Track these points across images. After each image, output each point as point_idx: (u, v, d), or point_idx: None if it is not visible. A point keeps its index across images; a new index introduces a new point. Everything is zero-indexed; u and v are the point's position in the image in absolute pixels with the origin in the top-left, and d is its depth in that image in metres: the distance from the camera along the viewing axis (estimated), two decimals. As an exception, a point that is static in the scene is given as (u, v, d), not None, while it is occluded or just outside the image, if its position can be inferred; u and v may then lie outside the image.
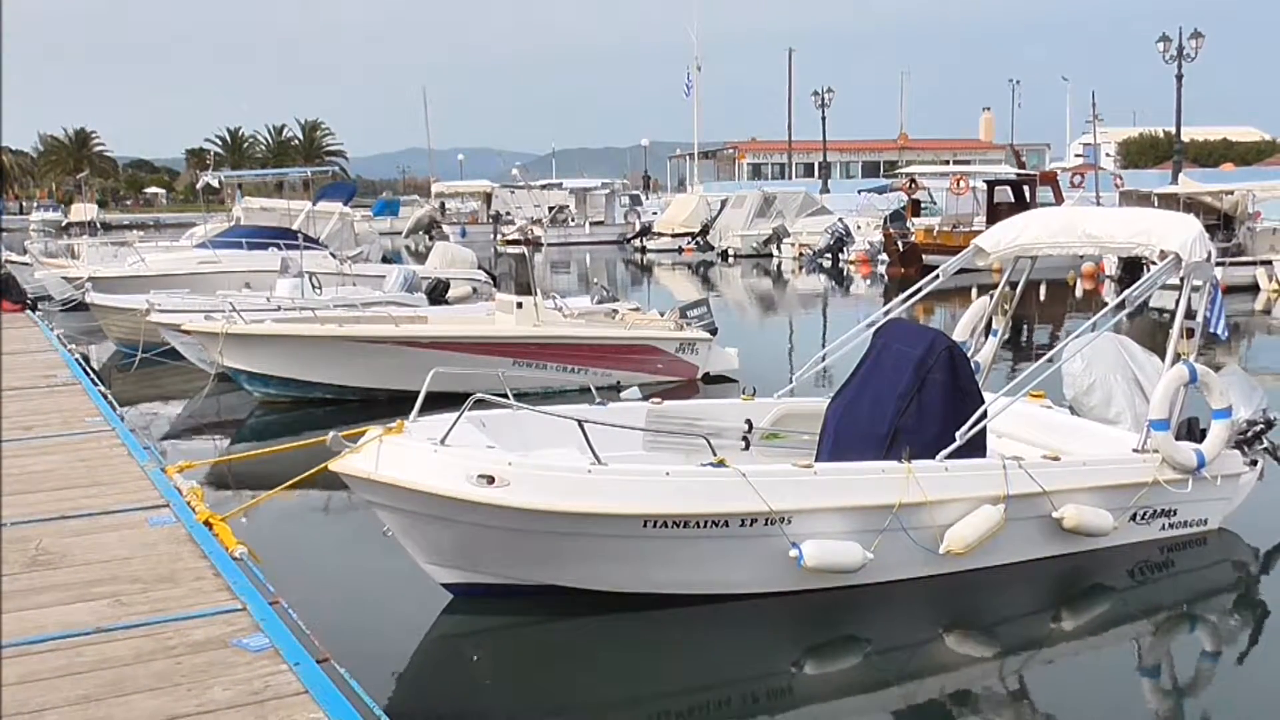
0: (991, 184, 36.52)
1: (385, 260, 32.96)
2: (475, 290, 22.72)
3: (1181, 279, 8.59)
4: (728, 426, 8.78)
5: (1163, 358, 8.73)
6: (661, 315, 16.12)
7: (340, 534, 9.11)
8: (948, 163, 60.60)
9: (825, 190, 59.09)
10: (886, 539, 7.17)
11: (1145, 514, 8.23)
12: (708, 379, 15.29)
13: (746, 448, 8.82)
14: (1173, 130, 47.60)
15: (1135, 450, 8.26)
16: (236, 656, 4.82)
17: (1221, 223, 27.88)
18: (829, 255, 38.99)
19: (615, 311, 15.94)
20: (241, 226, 26.24)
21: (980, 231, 14.84)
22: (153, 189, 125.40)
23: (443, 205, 66.05)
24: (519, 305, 14.48)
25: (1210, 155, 70.20)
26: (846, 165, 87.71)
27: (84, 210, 67.02)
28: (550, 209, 58.84)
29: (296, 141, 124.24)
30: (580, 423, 7.00)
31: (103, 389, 11.56)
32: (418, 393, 7.15)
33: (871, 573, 7.17)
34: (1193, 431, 8.62)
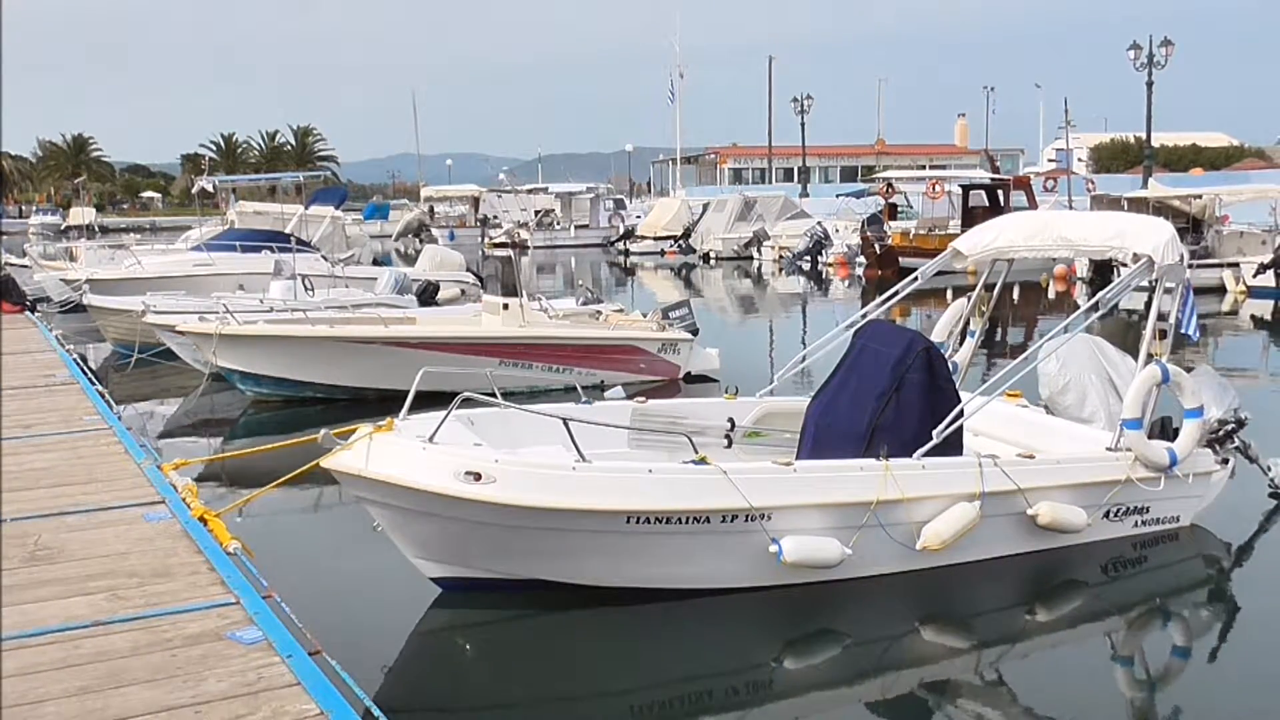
0: (967, 188, 36.69)
1: (376, 263, 33.19)
2: (463, 292, 22.76)
3: (1154, 281, 8.69)
4: (710, 425, 8.86)
5: (1135, 358, 8.85)
6: (644, 316, 16.22)
7: (331, 529, 9.21)
8: (924, 167, 60.73)
9: (804, 194, 59.34)
10: (864, 535, 7.28)
11: (1118, 511, 8.35)
12: (689, 378, 15.40)
13: (728, 446, 8.90)
14: (1143, 136, 47.86)
15: (1109, 449, 8.35)
16: (230, 649, 4.89)
17: (1190, 226, 28.06)
18: (808, 258, 39.09)
19: (599, 313, 16.00)
20: (235, 230, 26.20)
21: (956, 235, 14.99)
22: (149, 193, 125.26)
23: (431, 209, 66.00)
24: (505, 306, 14.60)
25: (1180, 160, 70.28)
26: (825, 170, 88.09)
27: (82, 214, 67.39)
28: (536, 213, 59.05)
29: (289, 147, 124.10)
30: (565, 421, 7.09)
31: (100, 388, 11.63)
32: (407, 392, 7.27)
33: (850, 568, 7.27)
34: (1165, 431, 8.74)
